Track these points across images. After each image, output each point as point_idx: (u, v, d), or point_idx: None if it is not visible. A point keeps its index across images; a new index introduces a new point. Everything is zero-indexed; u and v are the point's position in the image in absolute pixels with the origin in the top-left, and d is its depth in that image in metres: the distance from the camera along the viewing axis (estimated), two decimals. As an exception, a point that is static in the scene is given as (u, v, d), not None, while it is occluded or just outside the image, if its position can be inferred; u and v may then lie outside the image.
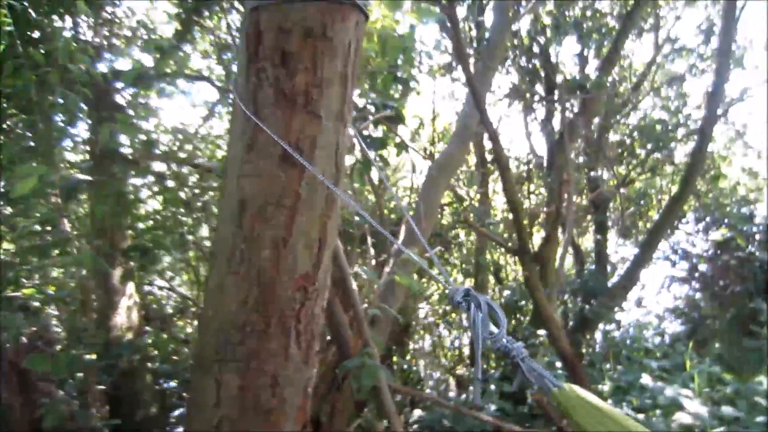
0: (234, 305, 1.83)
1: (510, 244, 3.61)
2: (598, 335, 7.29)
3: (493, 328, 1.59)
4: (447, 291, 1.69)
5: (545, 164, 7.27)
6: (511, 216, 3.93)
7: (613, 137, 7.96)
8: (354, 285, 2.47)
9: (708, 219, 8.86)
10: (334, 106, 1.83)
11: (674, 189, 7.54)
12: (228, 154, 2.25)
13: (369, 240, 3.59)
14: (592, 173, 7.27)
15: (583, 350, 6.18)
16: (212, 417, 1.89)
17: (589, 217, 8.48)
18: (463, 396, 6.14)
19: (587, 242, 9.56)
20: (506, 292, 7.38)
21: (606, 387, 4.72)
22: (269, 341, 1.82)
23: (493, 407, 5.38)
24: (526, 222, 7.42)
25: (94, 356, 3.59)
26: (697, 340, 7.52)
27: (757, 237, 8.57)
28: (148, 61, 4.15)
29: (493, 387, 5.41)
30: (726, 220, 8.45)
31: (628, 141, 7.92)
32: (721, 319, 7.50)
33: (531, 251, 3.29)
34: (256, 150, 1.78)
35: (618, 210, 8.28)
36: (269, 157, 1.77)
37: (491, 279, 7.75)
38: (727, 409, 4.10)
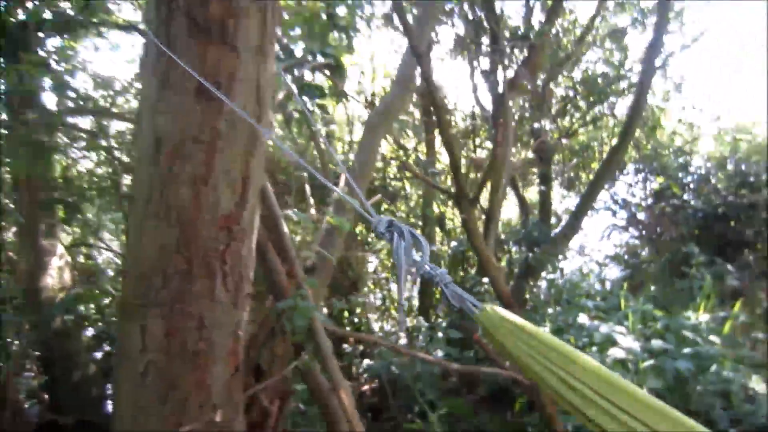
0: (155, 248, 1.77)
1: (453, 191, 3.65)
2: (543, 283, 7.55)
3: (417, 257, 1.60)
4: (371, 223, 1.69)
5: (491, 117, 7.31)
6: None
7: (556, 90, 8.06)
8: (286, 228, 2.44)
9: (647, 170, 9.17)
10: (253, 38, 1.75)
11: (615, 141, 7.74)
12: (141, 92, 2.14)
13: (308, 190, 3.55)
14: (536, 125, 7.38)
15: (527, 296, 6.38)
16: (138, 363, 1.85)
17: (534, 170, 8.65)
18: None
19: (533, 195, 9.78)
20: (453, 243, 7.50)
21: (546, 329, 4.90)
22: (193, 283, 1.78)
23: (440, 353, 5.53)
24: (474, 174, 7.52)
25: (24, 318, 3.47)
26: (633, 284, 7.90)
27: (692, 186, 8.96)
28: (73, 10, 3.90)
29: (440, 335, 5.55)
30: (663, 170, 8.77)
31: (571, 94, 8.05)
32: (656, 263, 7.87)
33: (469, 195, 3.32)
34: (170, 85, 1.70)
35: (562, 162, 8.47)
36: (184, 92, 1.69)
37: (439, 231, 7.86)
38: (656, 343, 4.34)
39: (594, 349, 4.42)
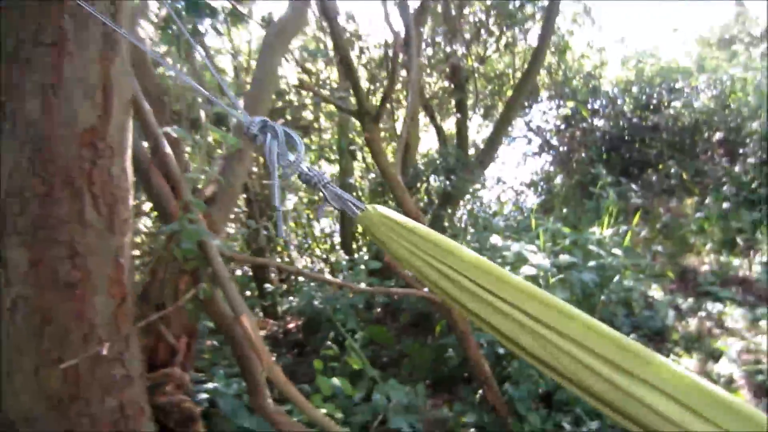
0: (6, 170, 1.57)
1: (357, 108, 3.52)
2: (464, 213, 7.72)
3: (293, 158, 1.49)
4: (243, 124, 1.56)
5: (402, 44, 7.14)
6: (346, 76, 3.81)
7: (469, 15, 7.97)
8: (168, 148, 2.26)
9: (559, 96, 9.40)
10: None
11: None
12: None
13: (203, 116, 3.33)
14: (449, 49, 7.30)
15: (446, 224, 6.50)
16: (4, 299, 1.68)
17: (452, 100, 8.65)
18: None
19: (453, 126, 9.82)
20: (372, 175, 7.46)
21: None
22: (57, 207, 1.60)
23: (363, 285, 5.57)
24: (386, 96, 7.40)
25: None
26: (547, 208, 8.22)
27: (600, 110, 9.29)
28: None
29: (362, 267, 5.56)
30: (573, 96, 9.01)
31: (484, 19, 7.98)
32: (567, 185, 8.19)
33: (370, 112, 3.23)
34: (-2, -23, 1.46)
35: (476, 90, 8.49)
36: (17, -15, 1.46)
37: (363, 165, 7.79)
38: (564, 258, 4.54)
39: (507, 267, 4.57)
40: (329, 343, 4.29)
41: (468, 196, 7.70)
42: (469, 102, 8.52)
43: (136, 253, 5.44)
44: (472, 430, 3.71)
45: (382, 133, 7.83)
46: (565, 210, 7.54)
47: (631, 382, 1.34)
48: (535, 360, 1.52)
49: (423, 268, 1.57)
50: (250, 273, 6.88)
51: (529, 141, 10.03)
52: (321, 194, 1.60)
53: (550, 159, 9.39)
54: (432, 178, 7.12)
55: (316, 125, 6.69)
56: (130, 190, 2.08)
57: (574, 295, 4.45)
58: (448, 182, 6.51)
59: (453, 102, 8.12)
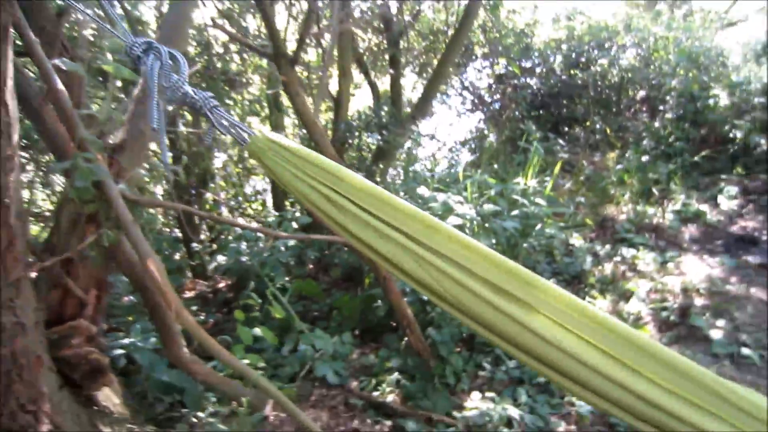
0: None
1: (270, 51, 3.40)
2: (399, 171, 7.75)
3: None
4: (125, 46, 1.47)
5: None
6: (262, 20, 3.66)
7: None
8: (60, 84, 2.12)
9: (492, 54, 9.45)
10: None
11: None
12: None
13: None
14: (381, 1, 7.18)
15: (379, 179, 6.50)
16: None
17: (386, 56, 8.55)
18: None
19: (388, 83, 9.74)
20: (303, 131, 7.34)
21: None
22: None
23: (291, 243, 5.54)
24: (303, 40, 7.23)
25: None
26: (479, 164, 8.35)
27: (532, 67, 9.42)
28: None
29: (294, 224, 5.51)
30: (506, 53, 9.08)
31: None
32: (498, 141, 8.33)
33: (287, 54, 3.13)
34: None
35: (407, 46, 8.42)
36: None
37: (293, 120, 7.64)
38: (488, 207, 4.64)
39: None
40: (250, 293, 4.25)
41: (403, 154, 7.73)
42: (404, 59, 8.45)
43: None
44: (396, 373, 3.80)
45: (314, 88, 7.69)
46: (496, 165, 7.68)
47: (510, 303, 1.37)
48: (418, 285, 1.53)
49: (309, 193, 1.55)
50: (179, 234, 6.71)
51: (464, 99, 10.11)
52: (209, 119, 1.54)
53: (483, 117, 9.50)
54: (366, 134, 7.07)
55: (243, 79, 6.47)
56: (14, 125, 1.94)
57: (499, 244, 4.57)
58: (380, 138, 6.49)
59: (387, 58, 8.03)
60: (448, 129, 11.01)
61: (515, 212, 4.85)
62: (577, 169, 7.13)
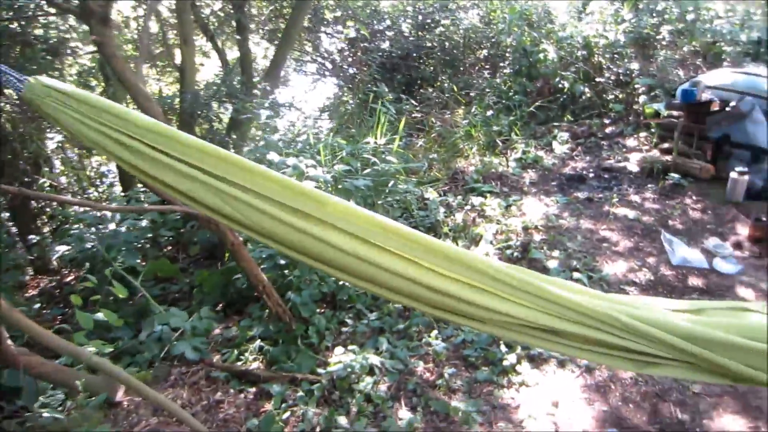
0: None
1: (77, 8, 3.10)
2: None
3: None
4: None
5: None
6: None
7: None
8: None
9: (343, 18, 9.44)
10: None
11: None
12: None
13: None
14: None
15: (233, 151, 6.29)
16: None
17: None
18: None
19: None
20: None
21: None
22: None
23: (144, 223, 5.22)
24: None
25: None
26: (338, 129, 8.38)
27: (383, 31, 9.55)
28: None
29: (145, 204, 5.18)
30: (356, 18, 9.11)
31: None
32: (354, 104, 8.40)
33: (96, 13, 2.87)
34: None
35: (259, 12, 8.17)
36: None
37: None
38: (339, 167, 4.69)
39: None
40: (87, 275, 3.94)
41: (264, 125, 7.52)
42: (253, 26, 8.17)
43: None
44: (258, 341, 3.77)
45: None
46: (353, 129, 7.75)
47: (308, 222, 1.43)
48: (225, 218, 1.52)
49: (99, 138, 1.46)
50: (15, 229, 6.04)
51: (319, 65, 10.04)
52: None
53: (338, 82, 9.51)
54: (216, 105, 6.78)
55: (68, 48, 5.85)
56: None
57: (355, 202, 4.65)
58: (232, 107, 6.26)
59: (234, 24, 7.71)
60: (306, 96, 10.90)
61: (367, 171, 4.95)
62: (429, 127, 7.41)
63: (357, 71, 8.97)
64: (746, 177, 5.11)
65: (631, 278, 4.31)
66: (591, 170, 6.21)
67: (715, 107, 5.63)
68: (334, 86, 9.72)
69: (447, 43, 9.09)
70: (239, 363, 3.66)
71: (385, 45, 9.17)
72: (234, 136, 6.43)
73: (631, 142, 6.74)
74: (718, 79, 5.89)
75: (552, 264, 4.49)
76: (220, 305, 4.64)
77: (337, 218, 1.40)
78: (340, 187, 4.66)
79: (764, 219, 4.74)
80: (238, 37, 7.34)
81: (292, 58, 9.49)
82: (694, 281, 4.25)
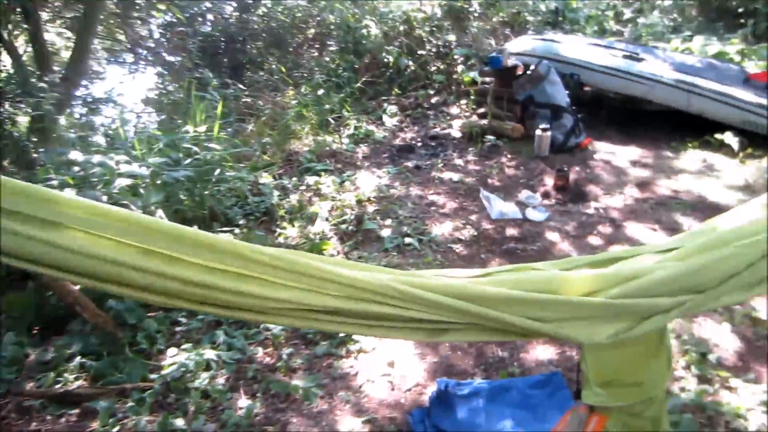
0: None
1: None
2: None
3: None
4: None
5: None
6: None
7: None
8: None
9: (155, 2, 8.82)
10: None
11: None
12: None
13: None
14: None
15: (35, 155, 5.63)
16: None
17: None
18: None
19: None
20: None
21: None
22: None
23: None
24: None
25: None
26: (166, 121, 7.88)
27: (204, 15, 9.11)
28: None
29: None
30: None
31: None
32: (179, 93, 7.95)
33: None
34: None
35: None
36: None
37: None
38: (154, 160, 4.39)
39: (99, 185, 4.19)
40: None
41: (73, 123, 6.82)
42: (46, 14, 7.32)
43: None
44: (79, 357, 3.44)
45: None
46: (180, 120, 7.34)
47: (34, 227, 1.24)
48: None
49: None
50: None
51: (136, 55, 9.33)
52: None
53: (160, 70, 8.93)
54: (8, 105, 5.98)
55: None
56: None
57: (172, 195, 4.40)
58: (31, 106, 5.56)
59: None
60: (126, 89, 10.10)
61: (188, 160, 4.70)
62: (259, 111, 7.24)
63: (179, 58, 8.46)
64: (549, 133, 5.66)
65: (457, 236, 4.58)
66: (419, 139, 6.49)
67: (520, 71, 6.15)
68: (154, 76, 9.10)
69: (273, 24, 8.90)
70: (58, 386, 3.31)
71: (207, 28, 8.76)
72: (35, 139, 5.74)
73: (454, 110, 7.14)
74: (521, 46, 6.44)
75: (385, 232, 4.63)
76: (36, 328, 4.17)
77: (69, 217, 1.22)
78: (159, 181, 4.37)
79: (565, 168, 5.30)
80: (27, 27, 6.53)
81: (104, 48, 8.71)
82: (511, 231, 4.64)
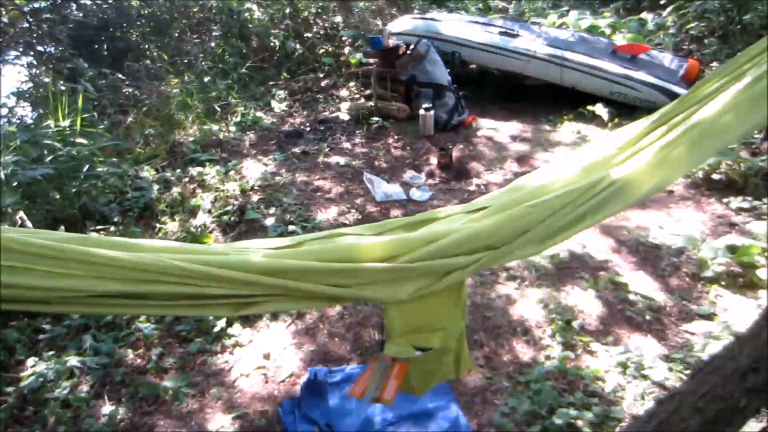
0: None
1: None
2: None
3: None
4: None
5: None
6: None
7: None
8: None
9: None
10: None
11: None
12: None
13: None
14: None
15: None
16: None
17: None
18: None
19: None
20: None
21: None
22: None
23: None
24: None
25: None
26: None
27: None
28: None
29: None
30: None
31: None
32: (53, 85, 7.40)
33: None
34: None
35: None
36: None
37: None
38: (8, 158, 4.08)
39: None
40: None
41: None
42: None
43: None
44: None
45: None
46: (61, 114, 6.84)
47: None
48: None
49: None
50: None
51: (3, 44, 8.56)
52: None
53: (29, 61, 8.25)
54: None
55: None
56: None
57: (37, 195, 4.12)
58: None
59: None
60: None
61: (49, 158, 4.40)
62: (140, 102, 6.88)
63: (49, 48, 7.86)
64: (432, 112, 5.77)
65: (342, 221, 4.59)
66: (308, 124, 6.43)
67: (402, 51, 6.20)
68: (23, 68, 8.39)
69: (152, 9, 8.45)
70: None
71: (79, 15, 8.16)
72: None
73: (343, 92, 7.12)
74: (401, 26, 6.49)
75: (269, 221, 4.56)
76: None
77: None
78: (15, 183, 4.07)
79: (449, 147, 5.43)
80: None
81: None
82: (395, 212, 4.71)
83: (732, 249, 3.63)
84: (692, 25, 7.23)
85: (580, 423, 2.60)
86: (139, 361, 3.29)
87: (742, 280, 3.52)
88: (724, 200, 4.45)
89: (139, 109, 6.80)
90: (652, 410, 1.86)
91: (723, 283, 3.52)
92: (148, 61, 7.67)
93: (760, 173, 4.60)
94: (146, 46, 7.90)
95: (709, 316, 3.25)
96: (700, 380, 1.77)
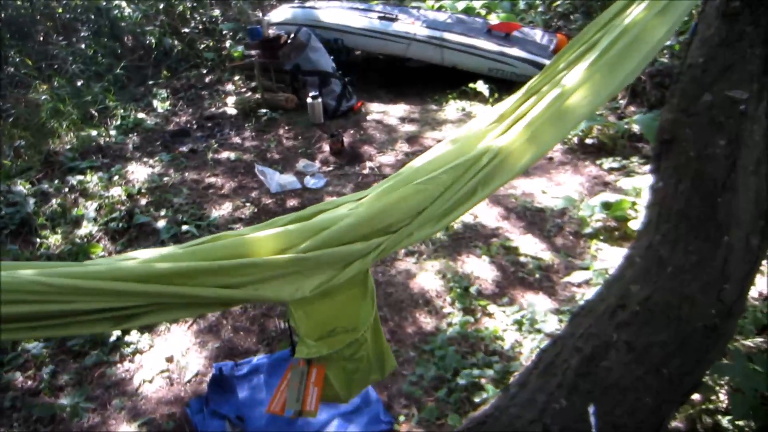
0: None
1: None
2: None
3: None
4: None
5: None
6: None
7: None
8: None
9: None
10: None
11: None
12: None
13: None
14: None
15: None
16: None
17: None
18: None
19: None
20: None
21: None
22: None
23: None
24: None
25: None
26: None
27: None
28: None
29: None
30: None
31: None
32: None
33: None
34: None
35: None
36: None
37: None
38: None
39: None
40: None
41: None
42: None
43: None
44: None
45: None
46: None
47: None
48: None
49: None
50: None
51: None
52: None
53: None
54: None
55: None
56: None
57: None
58: None
59: None
60: None
61: None
62: (4, 112, 6.36)
63: None
64: (319, 100, 5.81)
65: (237, 215, 4.55)
66: (194, 122, 6.25)
67: (283, 41, 6.17)
68: None
69: (10, 11, 7.78)
70: None
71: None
72: None
73: (229, 87, 6.98)
74: (281, 15, 6.45)
75: (161, 224, 4.43)
76: None
77: None
78: None
79: (339, 132, 5.50)
80: None
81: None
82: (291, 202, 4.72)
83: (607, 205, 4.00)
84: (558, 2, 7.76)
85: (483, 381, 2.78)
86: (30, 382, 3.12)
87: (618, 233, 3.89)
88: (598, 162, 4.88)
89: (5, 120, 6.30)
90: (538, 356, 2.04)
91: (602, 237, 3.87)
92: (11, 69, 7.08)
93: (626, 135, 5.07)
94: (7, 52, 7.27)
95: (589, 268, 3.56)
96: (576, 323, 1.97)
